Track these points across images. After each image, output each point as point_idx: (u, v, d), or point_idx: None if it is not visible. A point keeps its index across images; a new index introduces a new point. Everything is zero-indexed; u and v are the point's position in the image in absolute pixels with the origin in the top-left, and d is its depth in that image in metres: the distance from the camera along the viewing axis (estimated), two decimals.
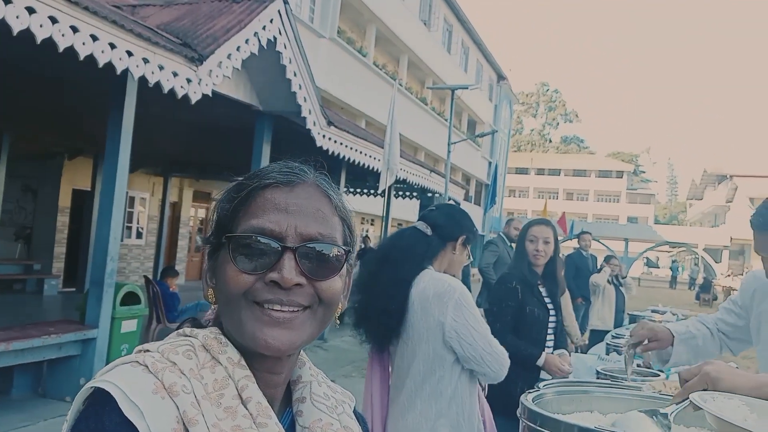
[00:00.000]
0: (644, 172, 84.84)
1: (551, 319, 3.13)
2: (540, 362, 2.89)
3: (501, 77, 37.31)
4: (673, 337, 2.05)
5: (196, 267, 15.92)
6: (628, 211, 67.98)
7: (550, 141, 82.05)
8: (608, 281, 7.59)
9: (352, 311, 2.25)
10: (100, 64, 4.56)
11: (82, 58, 4.39)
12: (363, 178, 10.78)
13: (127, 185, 6.76)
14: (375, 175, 8.60)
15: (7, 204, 10.78)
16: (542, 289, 3.14)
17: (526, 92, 79.20)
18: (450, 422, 2.08)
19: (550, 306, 3.14)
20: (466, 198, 33.60)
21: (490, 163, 36.03)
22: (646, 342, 1.98)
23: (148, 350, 0.74)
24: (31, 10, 3.94)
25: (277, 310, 0.74)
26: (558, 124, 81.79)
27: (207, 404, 0.69)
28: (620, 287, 7.83)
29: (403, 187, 12.57)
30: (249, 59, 6.23)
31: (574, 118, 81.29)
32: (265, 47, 6.37)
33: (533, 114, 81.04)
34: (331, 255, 0.76)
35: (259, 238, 0.74)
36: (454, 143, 14.04)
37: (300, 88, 7.03)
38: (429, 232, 2.25)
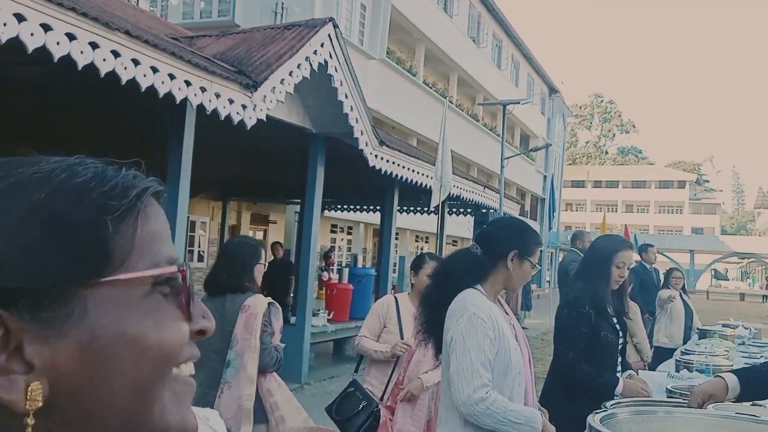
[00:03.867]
0: (708, 182, 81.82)
1: (620, 341, 3.00)
2: (618, 390, 2.69)
3: (553, 90, 36.83)
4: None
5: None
6: (693, 221, 65.55)
7: (607, 153, 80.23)
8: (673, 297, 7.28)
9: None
10: (161, 95, 4.73)
11: (143, 89, 4.57)
12: (416, 197, 10.77)
13: (188, 210, 7.00)
14: (428, 193, 8.58)
15: None
16: (609, 309, 2.99)
17: (580, 104, 77.85)
18: None
19: (617, 327, 3.00)
20: (522, 213, 33.13)
21: (545, 177, 35.48)
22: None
23: None
24: (94, 45, 4.13)
25: (184, 375, 0.50)
26: (614, 135, 79.99)
27: None
28: (688, 302, 7.51)
29: (456, 204, 12.49)
30: (301, 83, 6.35)
31: (631, 128, 79.35)
32: (317, 71, 6.49)
33: (588, 126, 79.51)
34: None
35: (169, 278, 0.49)
36: (508, 158, 13.89)
37: (352, 109, 7.11)
38: (478, 251, 2.20)
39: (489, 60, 27.14)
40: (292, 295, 9.28)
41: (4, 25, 3.59)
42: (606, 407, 1.48)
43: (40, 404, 0.43)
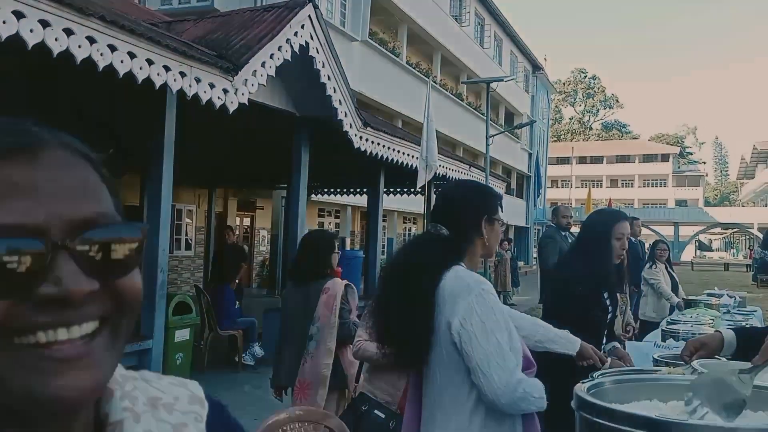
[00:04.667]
0: (691, 154, 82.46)
1: (608, 316, 2.99)
2: (606, 367, 2.70)
3: (536, 67, 36.79)
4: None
5: (246, 273, 16.20)
6: (677, 194, 66.19)
7: (591, 129, 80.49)
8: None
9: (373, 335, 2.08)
10: (139, 81, 4.65)
11: (121, 75, 4.49)
12: (403, 178, 10.75)
13: (174, 198, 6.93)
14: (414, 174, 8.57)
15: None
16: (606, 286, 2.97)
17: (563, 80, 77.86)
18: None
19: (609, 304, 2.97)
20: (508, 191, 33.22)
21: (530, 154, 35.57)
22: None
23: None
24: (69, 32, 4.05)
25: (63, 342, 0.48)
26: (598, 110, 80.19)
27: None
28: (674, 274, 7.60)
29: (443, 184, 12.49)
30: (283, 66, 6.28)
31: (615, 103, 79.55)
32: (298, 53, 6.42)
33: (571, 102, 79.64)
34: (123, 239, 0.51)
35: (6, 241, 0.45)
36: (492, 136, 13.89)
37: (335, 91, 7.05)
38: (445, 231, 1.96)
39: (472, 38, 27.02)
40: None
41: None
42: (593, 377, 1.49)
43: None
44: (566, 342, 2.34)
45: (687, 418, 1.02)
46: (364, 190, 12.12)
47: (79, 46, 4.13)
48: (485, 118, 15.23)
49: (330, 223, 19.59)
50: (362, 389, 3.04)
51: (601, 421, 1.06)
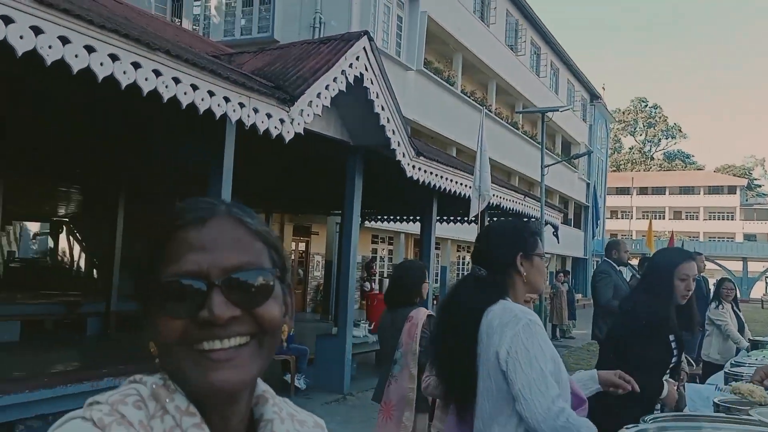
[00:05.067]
0: (760, 186, 79.01)
1: (672, 360, 2.87)
2: (663, 394, 2.65)
3: (594, 96, 36.25)
4: None
5: (299, 299, 16.38)
6: (745, 228, 63.39)
7: (653, 158, 78.38)
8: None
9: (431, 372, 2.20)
10: (201, 111, 4.86)
11: (184, 106, 4.70)
12: (456, 206, 10.72)
13: None
14: (468, 203, 8.55)
15: (128, 246, 11.57)
16: (669, 326, 2.85)
17: (623, 109, 76.38)
18: None
19: (674, 346, 2.86)
20: (565, 221, 32.60)
21: (588, 184, 34.89)
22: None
23: (98, 402, 0.73)
24: (137, 65, 4.27)
25: (218, 350, 0.71)
26: (659, 140, 78.14)
27: None
28: (740, 314, 7.26)
29: (497, 213, 12.39)
30: (338, 96, 6.43)
31: (677, 133, 77.39)
32: (353, 84, 6.56)
33: (632, 132, 77.90)
34: (259, 280, 0.74)
35: (181, 281, 0.71)
36: (548, 166, 13.71)
37: (388, 121, 7.15)
38: (483, 272, 2.04)
39: (527, 67, 26.92)
40: None
41: (50, 47, 3.74)
42: (645, 421, 1.45)
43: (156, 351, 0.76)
44: (587, 380, 2.26)
45: None
46: (417, 217, 12.15)
47: (146, 79, 4.35)
48: (541, 147, 15.04)
49: (383, 249, 19.66)
50: (434, 427, 3.12)
51: None
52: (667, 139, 78.11)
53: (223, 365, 0.71)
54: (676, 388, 2.80)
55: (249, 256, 0.74)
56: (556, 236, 13.75)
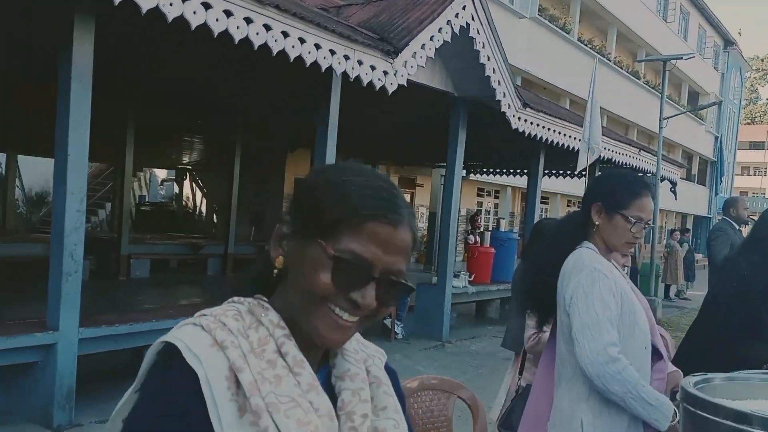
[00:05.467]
0: None
1: None
2: None
3: (729, 42, 33.25)
4: None
5: None
6: None
7: None
8: None
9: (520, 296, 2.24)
10: (307, 64, 5.04)
11: (292, 59, 4.90)
12: (565, 159, 10.42)
13: None
14: (577, 156, 8.29)
15: (243, 192, 12.31)
16: None
17: (761, 56, 69.43)
18: (591, 410, 1.87)
19: None
20: (688, 177, 30.60)
21: (716, 138, 32.41)
22: None
23: (204, 314, 0.90)
24: (248, 20, 4.49)
25: (345, 320, 0.86)
26: None
27: (252, 357, 0.84)
28: None
29: (610, 168, 11.92)
30: (443, 47, 6.40)
31: None
32: (458, 34, 6.49)
33: None
34: (401, 286, 0.88)
35: (357, 263, 0.84)
36: (668, 118, 12.89)
37: (494, 71, 7.04)
38: (579, 216, 2.09)
39: (653, 12, 25.08)
40: None
41: (171, 4, 4.02)
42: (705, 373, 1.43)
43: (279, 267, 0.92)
44: (664, 406, 1.87)
45: None
46: (524, 171, 11.93)
47: (257, 33, 4.57)
48: (661, 98, 14.12)
49: (489, 203, 19.50)
50: (523, 379, 3.13)
51: (702, 414, 1.08)
52: None
53: (341, 330, 0.87)
54: None
55: (405, 265, 0.88)
56: (674, 193, 13.02)
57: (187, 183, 16.21)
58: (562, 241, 2.04)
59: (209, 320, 0.87)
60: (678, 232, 16.07)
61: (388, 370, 1.05)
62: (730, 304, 2.72)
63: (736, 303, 2.69)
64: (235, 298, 0.93)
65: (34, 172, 12.65)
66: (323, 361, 0.96)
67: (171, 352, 0.84)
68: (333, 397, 0.92)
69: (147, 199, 18.48)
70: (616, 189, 1.97)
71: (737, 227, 6.23)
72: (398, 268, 0.86)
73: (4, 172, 11.88)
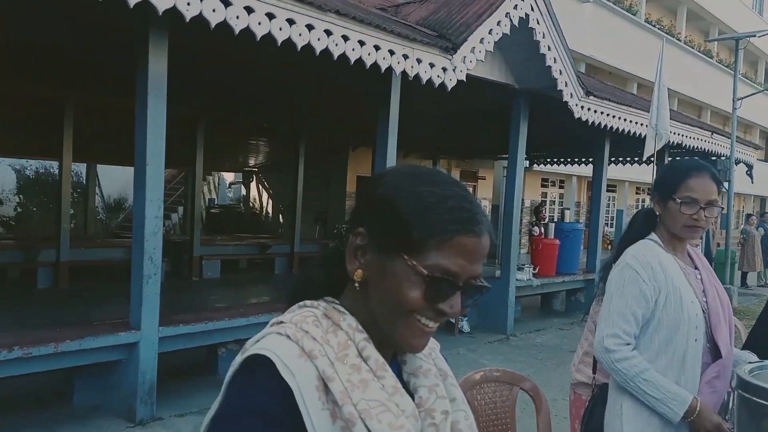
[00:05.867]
0: None
1: None
2: None
3: None
4: None
5: None
6: None
7: None
8: None
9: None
10: (367, 66, 5.13)
11: (352, 62, 4.99)
12: (632, 146, 10.13)
13: None
14: (644, 142, 8.07)
15: (307, 191, 12.60)
16: None
17: None
18: (632, 396, 1.93)
19: None
20: (767, 158, 29.08)
21: None
22: None
23: (282, 322, 0.92)
24: (310, 27, 4.62)
25: (431, 327, 0.90)
26: None
27: (339, 364, 0.86)
28: None
29: (680, 152, 11.49)
30: (502, 39, 6.36)
31: None
32: (517, 26, 6.43)
33: None
34: (482, 289, 0.92)
35: (446, 277, 0.87)
36: (742, 98, 12.33)
37: (555, 61, 6.94)
38: (650, 209, 2.16)
39: None
40: None
41: (237, 17, 4.19)
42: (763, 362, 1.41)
43: (359, 280, 0.92)
44: (671, 400, 1.84)
45: None
46: (589, 159, 11.68)
47: (318, 39, 4.69)
48: (734, 76, 13.49)
49: (553, 193, 19.16)
50: (596, 380, 3.08)
51: (752, 398, 1.10)
52: None
53: (425, 336, 0.91)
54: None
55: (482, 269, 0.92)
56: (750, 176, 12.45)
57: (253, 185, 16.69)
58: (630, 233, 2.11)
59: (293, 329, 0.89)
60: (754, 217, 15.35)
61: (444, 358, 1.09)
62: None
63: None
64: (307, 302, 0.96)
65: (112, 179, 13.36)
66: (392, 357, 0.99)
67: (255, 361, 0.87)
68: (408, 393, 0.94)
69: (216, 202, 19.14)
70: (666, 175, 2.05)
71: None
72: (477, 273, 0.90)
73: (85, 181, 12.58)
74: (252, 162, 15.61)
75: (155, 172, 4.55)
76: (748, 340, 2.85)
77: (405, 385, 0.96)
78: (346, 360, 0.88)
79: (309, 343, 0.87)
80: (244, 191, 17.55)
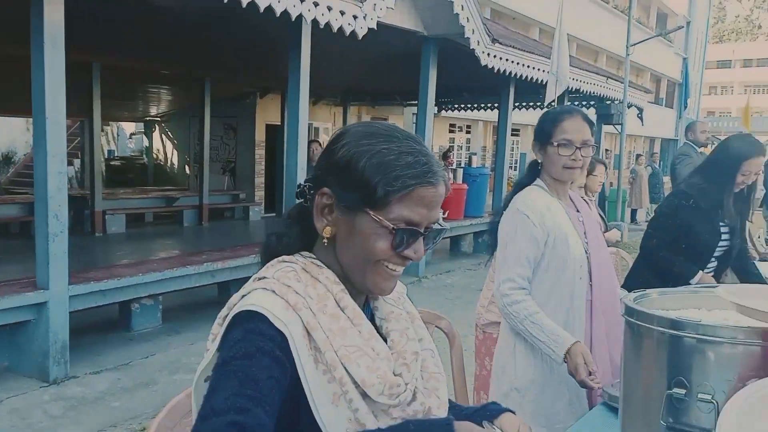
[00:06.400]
0: None
1: (721, 244, 2.88)
2: (694, 281, 2.72)
3: None
4: None
5: None
6: None
7: (760, 27, 71.35)
8: None
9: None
10: (278, 13, 5.02)
11: (262, 10, 4.88)
12: (535, 92, 10.52)
13: (310, 116, 7.34)
14: (546, 88, 8.40)
15: (214, 141, 12.24)
16: (721, 211, 2.84)
17: None
18: (525, 339, 2.04)
19: (724, 231, 2.87)
20: (656, 100, 30.86)
21: (685, 59, 32.57)
22: None
23: (265, 277, 0.99)
24: None
25: (398, 272, 1.01)
26: None
27: (320, 314, 0.95)
28: None
29: (579, 97, 12.05)
30: None
31: None
32: None
33: None
34: (440, 232, 1.02)
35: (409, 228, 0.96)
36: (635, 44, 12.98)
37: (462, 8, 7.03)
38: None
39: None
40: None
41: None
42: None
43: (328, 236, 1.01)
44: (553, 342, 1.93)
45: (701, 319, 1.19)
46: (495, 105, 12.02)
47: None
48: (632, 22, 14.12)
49: (461, 139, 19.61)
50: None
51: (636, 321, 1.27)
52: None
53: (393, 279, 1.01)
54: (711, 276, 2.89)
55: (439, 214, 1.02)
56: (641, 118, 13.27)
57: (156, 135, 16.00)
58: (520, 183, 2.18)
59: (278, 285, 0.96)
60: (643, 157, 16.43)
61: (410, 299, 1.21)
62: (671, 219, 2.89)
63: (672, 220, 2.89)
64: (285, 258, 1.03)
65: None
66: (365, 304, 1.09)
67: (248, 315, 0.93)
68: (381, 337, 1.04)
69: (116, 154, 18.24)
70: (542, 124, 2.12)
71: (699, 150, 6.48)
72: (435, 218, 0.99)
73: None
74: (154, 111, 14.91)
75: (56, 126, 4.32)
76: (630, 271, 3.16)
77: (378, 330, 1.05)
78: (325, 310, 0.96)
79: (293, 297, 0.95)
80: (146, 142, 16.79)
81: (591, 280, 2.07)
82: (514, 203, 2.09)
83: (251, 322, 0.92)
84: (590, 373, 1.81)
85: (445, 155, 12.66)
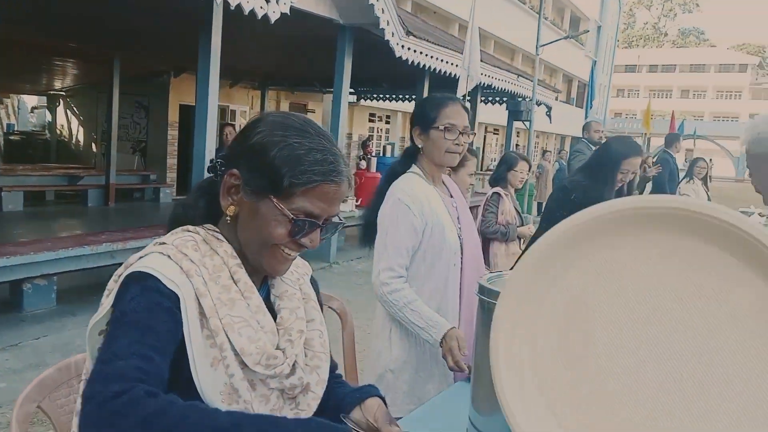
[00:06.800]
0: None
1: None
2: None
3: None
4: None
5: None
6: (752, 108, 62.51)
7: (666, 35, 75.70)
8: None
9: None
10: None
11: None
12: (448, 86, 10.76)
13: (227, 99, 7.26)
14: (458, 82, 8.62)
15: (124, 120, 11.79)
16: None
17: None
18: (401, 325, 2.10)
19: None
20: (568, 100, 32.20)
21: (594, 61, 34.11)
22: None
23: (164, 242, 1.04)
24: None
25: (292, 256, 1.08)
26: (675, 15, 75.04)
27: (212, 283, 1.01)
28: (708, 192, 7.73)
29: (491, 93, 12.44)
30: None
31: (694, 7, 74.14)
32: None
33: (647, 5, 74.64)
34: (337, 225, 1.10)
35: (308, 219, 1.03)
36: (546, 44, 13.54)
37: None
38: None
39: None
40: None
41: None
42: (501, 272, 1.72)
43: (231, 215, 1.07)
44: (432, 329, 2.00)
45: None
46: (412, 96, 12.21)
47: None
48: (546, 23, 14.70)
49: (381, 128, 19.78)
50: None
51: (485, 298, 1.40)
52: (684, 14, 74.96)
53: (287, 262, 1.08)
54: None
55: (339, 208, 1.08)
56: (549, 116, 13.86)
57: (60, 110, 15.23)
58: (395, 171, 2.17)
59: (174, 251, 1.01)
60: (550, 153, 17.16)
61: (312, 282, 1.27)
62: (552, 214, 3.11)
63: (559, 214, 3.12)
64: (189, 228, 1.08)
65: None
66: (263, 281, 1.16)
67: (146, 276, 0.97)
68: (273, 313, 1.11)
69: (16, 128, 17.22)
70: (424, 109, 2.12)
71: (592, 148, 6.90)
72: (334, 213, 1.07)
73: None
74: (58, 85, 14.17)
75: None
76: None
77: (272, 306, 1.12)
78: (218, 281, 1.03)
79: (186, 264, 1.01)
80: (49, 117, 15.95)
81: (462, 265, 2.15)
82: (394, 192, 2.08)
83: (147, 281, 0.96)
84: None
85: (365, 144, 12.75)
